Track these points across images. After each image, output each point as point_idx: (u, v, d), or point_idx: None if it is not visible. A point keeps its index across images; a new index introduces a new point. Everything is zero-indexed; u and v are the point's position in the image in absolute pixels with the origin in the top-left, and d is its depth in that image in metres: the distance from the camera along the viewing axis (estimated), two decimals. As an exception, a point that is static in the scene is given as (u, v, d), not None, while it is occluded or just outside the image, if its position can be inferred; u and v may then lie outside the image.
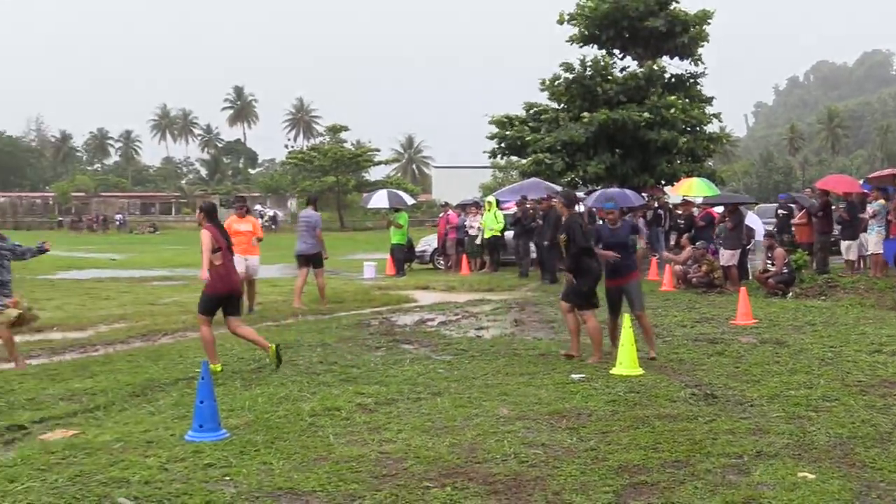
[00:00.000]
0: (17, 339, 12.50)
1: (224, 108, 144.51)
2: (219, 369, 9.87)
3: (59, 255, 33.89)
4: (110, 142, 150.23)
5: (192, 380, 9.18)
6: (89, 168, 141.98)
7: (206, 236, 10.12)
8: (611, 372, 9.77)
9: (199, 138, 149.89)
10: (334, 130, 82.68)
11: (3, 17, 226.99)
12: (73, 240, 55.23)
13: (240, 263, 14.94)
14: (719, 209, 21.58)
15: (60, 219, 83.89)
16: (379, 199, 27.62)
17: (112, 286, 21.52)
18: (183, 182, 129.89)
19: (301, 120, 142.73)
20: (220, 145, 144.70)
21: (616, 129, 29.35)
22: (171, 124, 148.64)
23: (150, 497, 5.67)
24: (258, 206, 77.24)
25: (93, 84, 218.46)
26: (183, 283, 21.88)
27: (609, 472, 6.15)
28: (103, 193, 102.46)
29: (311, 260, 16.81)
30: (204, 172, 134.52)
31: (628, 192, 25.00)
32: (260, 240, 15.66)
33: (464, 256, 25.30)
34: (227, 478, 6.09)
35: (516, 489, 5.85)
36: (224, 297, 10.16)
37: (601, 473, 6.14)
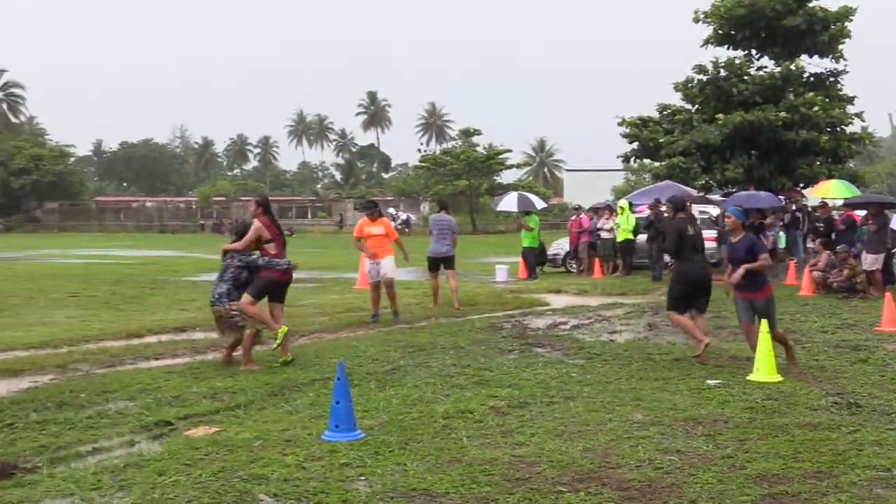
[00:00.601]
0: (165, 338, 13.04)
1: (358, 114, 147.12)
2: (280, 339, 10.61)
3: (201, 258, 35.17)
4: (249, 147, 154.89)
5: (327, 380, 9.36)
6: (229, 173, 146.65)
7: (256, 226, 11.07)
8: (748, 378, 9.52)
9: (334, 143, 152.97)
10: (467, 134, 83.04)
11: (148, 35, 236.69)
12: (215, 242, 56.94)
13: (373, 267, 15.17)
14: (861, 212, 20.78)
15: (202, 222, 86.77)
16: (509, 203, 27.59)
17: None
18: (318, 186, 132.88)
19: (433, 124, 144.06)
20: (354, 150, 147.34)
21: (752, 131, 28.61)
22: (308, 130, 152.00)
23: (288, 494, 5.82)
24: (391, 210, 78.21)
25: (233, 92, 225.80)
26: (319, 286, 22.33)
27: (747, 481, 6.00)
28: (243, 198, 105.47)
29: (444, 262, 16.91)
30: (338, 176, 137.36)
31: (763, 194, 24.29)
32: (397, 240, 15.59)
33: (596, 260, 25.07)
34: (363, 477, 6.19)
35: (651, 496, 5.76)
36: (277, 284, 11.07)
37: (738, 482, 5.99)
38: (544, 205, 38.22)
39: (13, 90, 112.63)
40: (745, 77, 30.06)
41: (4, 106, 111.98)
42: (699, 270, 10.87)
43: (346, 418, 7.16)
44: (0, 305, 17.84)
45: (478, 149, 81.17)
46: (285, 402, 8.64)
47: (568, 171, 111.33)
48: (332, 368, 9.75)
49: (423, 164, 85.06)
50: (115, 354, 11.67)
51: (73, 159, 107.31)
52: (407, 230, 70.11)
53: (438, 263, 16.92)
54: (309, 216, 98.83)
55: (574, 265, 26.87)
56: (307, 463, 6.49)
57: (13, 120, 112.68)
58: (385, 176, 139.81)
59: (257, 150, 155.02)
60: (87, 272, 26.15)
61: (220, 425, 7.69)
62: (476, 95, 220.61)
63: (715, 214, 24.03)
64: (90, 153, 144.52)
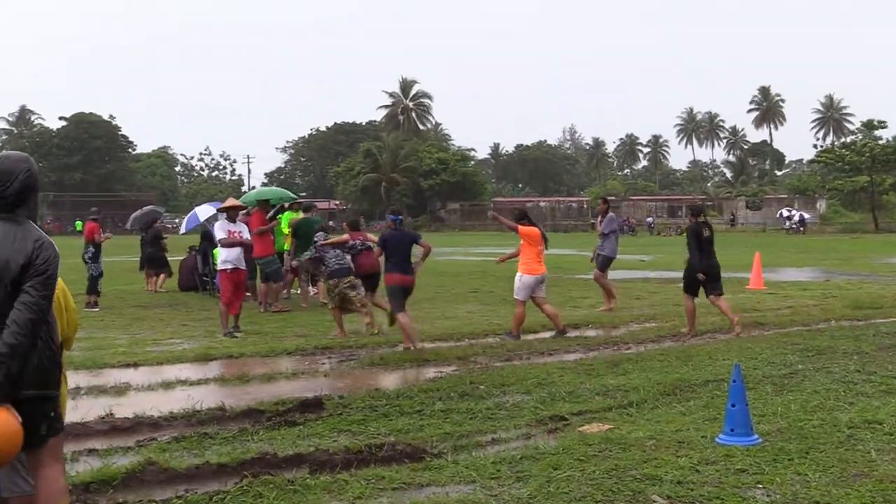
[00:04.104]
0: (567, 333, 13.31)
1: (750, 110, 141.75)
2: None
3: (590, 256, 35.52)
4: (639, 147, 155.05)
5: (721, 382, 9.07)
6: (619, 173, 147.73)
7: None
8: None
9: (725, 141, 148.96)
10: (869, 127, 77.28)
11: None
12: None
13: None
14: None
15: (593, 221, 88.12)
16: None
17: (642, 286, 22.04)
18: (709, 184, 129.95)
19: (830, 118, 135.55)
20: (745, 147, 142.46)
21: None
22: (697, 128, 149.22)
23: (682, 497, 5.67)
24: (784, 210, 74.77)
25: (623, 92, 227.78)
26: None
27: None
28: (633, 197, 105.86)
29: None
30: (729, 175, 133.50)
31: None
32: None
33: None
34: (760, 485, 5.89)
35: None
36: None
37: None
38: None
39: (422, 100, 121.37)
40: None
41: (414, 115, 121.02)
42: None
43: (742, 422, 6.87)
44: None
45: (880, 142, 75.23)
46: (678, 403, 8.47)
47: None
48: (726, 370, 9.43)
49: (819, 160, 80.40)
50: (511, 349, 12.10)
51: (473, 162, 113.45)
52: (801, 229, 66.66)
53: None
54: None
55: None
56: (701, 466, 6.29)
57: (421, 127, 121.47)
58: (778, 173, 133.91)
59: (647, 150, 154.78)
60: (485, 269, 27.37)
61: (613, 423, 7.69)
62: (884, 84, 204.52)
63: None
64: (488, 156, 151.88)
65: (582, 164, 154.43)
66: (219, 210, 16.89)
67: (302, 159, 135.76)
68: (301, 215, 18.15)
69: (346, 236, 14.40)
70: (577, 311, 16.53)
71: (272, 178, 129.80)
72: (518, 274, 13.51)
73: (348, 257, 14.10)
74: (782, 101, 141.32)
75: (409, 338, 12.24)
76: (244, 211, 16.72)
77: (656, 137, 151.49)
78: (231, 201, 15.68)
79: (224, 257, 14.03)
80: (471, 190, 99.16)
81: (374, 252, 13.90)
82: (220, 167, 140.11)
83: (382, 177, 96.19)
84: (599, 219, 17.60)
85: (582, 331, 14.13)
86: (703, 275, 13.46)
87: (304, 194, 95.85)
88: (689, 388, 9.16)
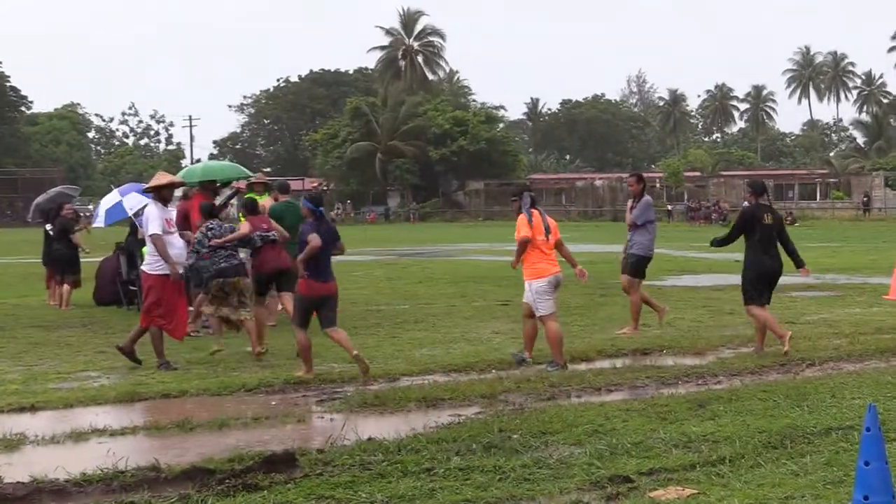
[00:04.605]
0: (621, 363, 13.34)
1: (892, 49, 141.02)
2: None
3: (667, 255, 35.55)
4: (734, 103, 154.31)
5: (850, 430, 9.08)
6: (706, 139, 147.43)
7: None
8: None
9: (856, 93, 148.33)
10: None
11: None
12: (688, 234, 57.48)
13: None
14: None
15: (669, 207, 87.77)
16: None
17: (737, 297, 21.79)
18: (832, 154, 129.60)
19: None
20: (885, 101, 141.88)
21: None
22: (817, 75, 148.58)
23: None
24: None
25: (709, 27, 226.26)
26: (835, 295, 21.75)
27: None
28: (724, 172, 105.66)
29: None
30: (861, 140, 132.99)
31: None
32: None
33: None
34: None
35: None
36: None
37: None
38: None
39: (431, 39, 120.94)
40: None
41: (420, 59, 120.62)
42: None
43: (880, 487, 6.83)
44: (415, 315, 19.25)
45: None
46: (788, 459, 8.45)
47: None
48: (856, 414, 9.45)
49: None
50: (555, 383, 12.10)
51: (502, 125, 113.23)
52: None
53: None
54: (818, 196, 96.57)
55: None
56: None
57: (430, 77, 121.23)
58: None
59: (745, 107, 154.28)
60: (519, 274, 27.33)
61: (697, 486, 7.68)
62: None
63: None
64: (524, 117, 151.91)
65: (654, 126, 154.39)
66: (145, 190, 16.57)
67: (266, 122, 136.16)
68: (267, 198, 18.20)
69: (245, 227, 14.63)
70: (648, 332, 16.50)
71: (224, 147, 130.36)
72: (527, 282, 13.67)
73: (243, 253, 14.35)
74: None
75: (308, 366, 12.79)
76: (181, 192, 16.76)
77: (758, 89, 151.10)
78: (163, 176, 15.15)
79: (155, 253, 13.92)
80: (499, 163, 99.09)
81: (278, 245, 14.69)
82: (152, 132, 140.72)
83: (377, 145, 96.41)
84: (630, 203, 17.29)
85: (654, 358, 14.11)
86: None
87: (268, 170, 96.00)
88: (803, 438, 9.14)
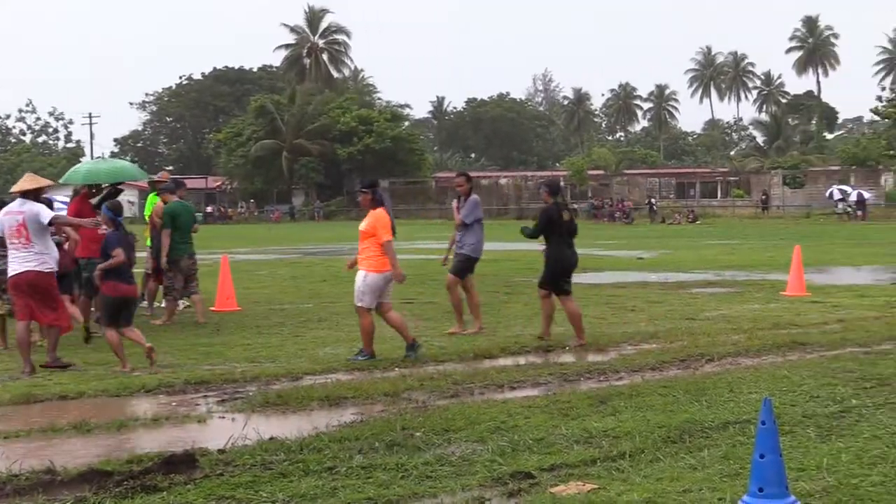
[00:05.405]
0: (525, 361, 13.38)
1: (790, 49, 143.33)
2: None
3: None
4: (637, 102, 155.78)
5: (746, 424, 9.20)
6: (609, 137, 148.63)
7: None
8: None
9: (756, 92, 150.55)
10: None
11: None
12: (591, 232, 57.88)
13: None
14: None
15: (575, 206, 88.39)
16: None
17: (639, 294, 22.20)
18: (732, 153, 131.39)
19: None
20: (783, 101, 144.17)
21: None
22: (718, 75, 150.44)
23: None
24: (834, 187, 75.67)
25: (615, 30, 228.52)
26: (734, 291, 22.02)
27: None
28: (628, 171, 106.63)
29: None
30: (761, 139, 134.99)
31: None
32: None
33: None
34: (799, 567, 5.98)
35: None
36: None
37: None
38: None
39: (336, 37, 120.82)
40: None
41: (325, 57, 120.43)
42: None
43: (774, 479, 6.93)
44: (319, 314, 19.19)
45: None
46: (687, 453, 8.54)
47: None
48: (752, 408, 9.58)
49: (886, 114, 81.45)
50: (459, 380, 12.11)
51: (407, 123, 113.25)
52: (860, 213, 67.64)
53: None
54: (719, 194, 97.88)
55: None
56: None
57: (335, 74, 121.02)
58: (828, 136, 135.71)
59: (648, 106, 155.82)
60: (425, 272, 27.32)
61: (598, 481, 7.73)
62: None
63: None
64: (429, 115, 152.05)
65: (558, 125, 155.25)
66: (9, 193, 16.01)
67: (168, 120, 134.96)
68: (158, 199, 18.18)
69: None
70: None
71: (126, 145, 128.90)
72: (362, 273, 13.84)
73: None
74: (835, 36, 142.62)
75: (123, 361, 13.30)
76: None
77: (661, 88, 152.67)
78: (31, 180, 14.31)
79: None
80: (405, 161, 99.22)
81: (66, 245, 15.31)
82: (50, 130, 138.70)
83: (283, 144, 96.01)
84: (456, 203, 17.19)
85: (557, 355, 14.19)
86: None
87: (170, 168, 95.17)
88: (701, 432, 9.24)
